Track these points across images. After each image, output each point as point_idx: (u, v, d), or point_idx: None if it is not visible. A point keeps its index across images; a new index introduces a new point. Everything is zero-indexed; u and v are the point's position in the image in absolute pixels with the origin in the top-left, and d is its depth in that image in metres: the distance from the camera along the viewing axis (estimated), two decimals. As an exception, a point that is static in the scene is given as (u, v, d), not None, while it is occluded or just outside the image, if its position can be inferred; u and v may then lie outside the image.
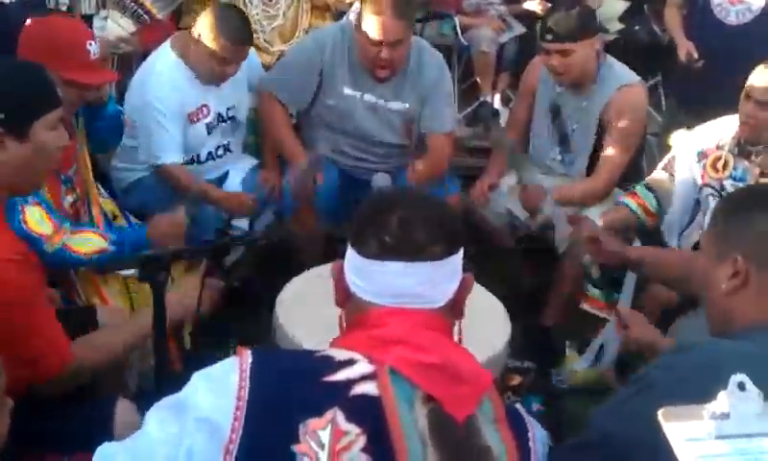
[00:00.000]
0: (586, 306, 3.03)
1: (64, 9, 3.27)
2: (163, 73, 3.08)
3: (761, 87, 2.68)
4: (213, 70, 3.09)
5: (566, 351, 3.09)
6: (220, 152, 3.31)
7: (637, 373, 1.41)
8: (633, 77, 3.25)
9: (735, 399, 0.99)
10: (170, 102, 3.05)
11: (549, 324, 3.32)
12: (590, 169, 3.30)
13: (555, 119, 3.35)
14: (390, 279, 1.25)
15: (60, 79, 2.23)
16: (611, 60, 3.29)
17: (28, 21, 2.46)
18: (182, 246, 2.44)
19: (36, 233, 2.21)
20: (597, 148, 3.27)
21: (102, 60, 2.75)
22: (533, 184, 3.32)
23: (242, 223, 3.26)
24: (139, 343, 2.13)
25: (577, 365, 2.99)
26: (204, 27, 3.02)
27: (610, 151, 3.21)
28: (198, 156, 3.25)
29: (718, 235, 1.50)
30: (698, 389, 1.27)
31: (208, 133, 3.22)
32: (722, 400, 1.00)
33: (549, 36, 3.12)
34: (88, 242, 2.36)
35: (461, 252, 1.30)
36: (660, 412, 1.02)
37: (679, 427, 1.01)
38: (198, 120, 3.17)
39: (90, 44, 2.44)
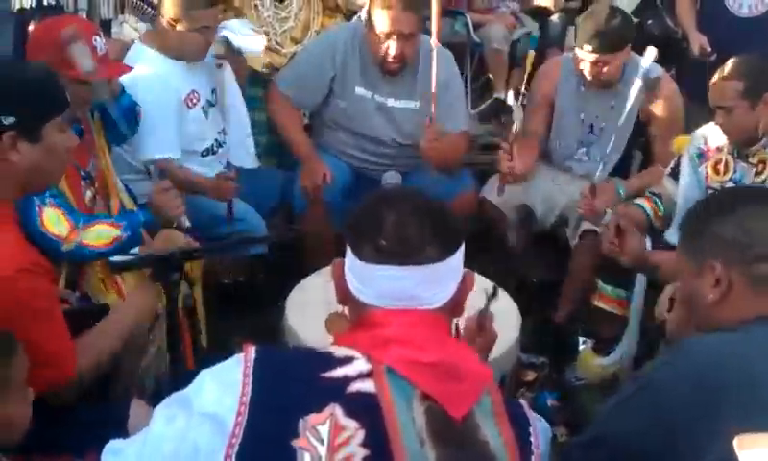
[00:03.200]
0: (598, 303, 3.01)
1: (83, 15, 3.27)
2: (148, 69, 2.96)
3: (713, 95, 2.67)
4: (198, 44, 3.00)
5: (580, 346, 3.08)
6: (221, 138, 3.23)
7: (639, 373, 1.42)
8: (657, 69, 3.17)
9: None
10: (162, 95, 2.96)
11: (562, 320, 3.31)
12: (623, 165, 3.25)
13: (581, 119, 3.31)
14: (387, 282, 1.25)
15: (68, 77, 2.23)
16: (632, 54, 3.22)
17: (32, 26, 2.45)
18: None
19: (52, 234, 2.18)
20: (631, 145, 3.23)
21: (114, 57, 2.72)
22: (603, 184, 3.09)
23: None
24: (125, 336, 2.08)
25: (596, 362, 2.99)
26: (173, 11, 2.94)
27: (661, 143, 3.20)
28: (205, 149, 3.17)
29: (690, 251, 1.50)
30: (700, 387, 1.28)
31: (206, 118, 3.13)
32: None
33: (589, 47, 3.05)
34: (102, 235, 2.29)
35: (460, 251, 1.29)
36: (735, 441, 1.01)
37: (757, 455, 0.99)
38: (194, 105, 3.09)
39: (96, 40, 2.39)
